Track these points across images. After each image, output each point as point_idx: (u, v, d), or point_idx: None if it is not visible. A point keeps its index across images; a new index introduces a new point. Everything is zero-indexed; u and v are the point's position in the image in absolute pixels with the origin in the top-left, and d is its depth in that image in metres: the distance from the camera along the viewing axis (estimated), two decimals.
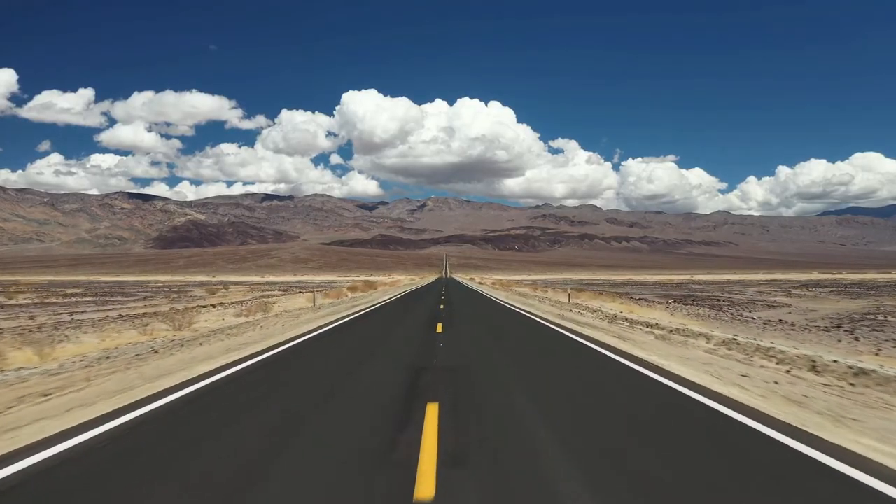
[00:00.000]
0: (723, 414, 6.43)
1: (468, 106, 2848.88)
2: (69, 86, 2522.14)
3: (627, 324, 18.12)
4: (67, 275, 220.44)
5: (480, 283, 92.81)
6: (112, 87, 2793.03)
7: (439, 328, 16.64)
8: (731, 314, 29.86)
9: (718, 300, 43.36)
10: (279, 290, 63.88)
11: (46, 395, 7.38)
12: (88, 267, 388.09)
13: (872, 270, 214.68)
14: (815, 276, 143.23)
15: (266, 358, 10.98)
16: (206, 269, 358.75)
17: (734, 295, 52.59)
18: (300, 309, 24.91)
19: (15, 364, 10.15)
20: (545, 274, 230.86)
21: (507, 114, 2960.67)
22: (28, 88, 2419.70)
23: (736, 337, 13.64)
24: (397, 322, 20.34)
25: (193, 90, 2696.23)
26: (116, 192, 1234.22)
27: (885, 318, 26.26)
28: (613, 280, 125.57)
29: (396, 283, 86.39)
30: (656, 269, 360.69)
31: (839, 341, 17.32)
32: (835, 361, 9.50)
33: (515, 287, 63.41)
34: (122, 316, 26.70)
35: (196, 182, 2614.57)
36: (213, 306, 30.91)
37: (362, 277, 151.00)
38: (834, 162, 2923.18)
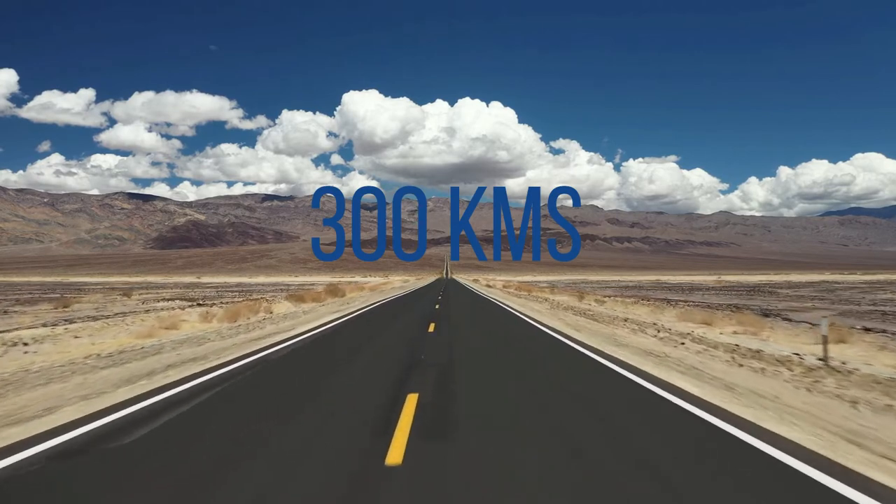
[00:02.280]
0: None
1: (469, 106, 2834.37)
2: (69, 86, 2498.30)
3: None
4: (54, 276, 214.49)
5: (488, 287, 77.29)
6: (112, 87, 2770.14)
7: None
8: None
9: None
10: (167, 298, 45.47)
11: None
12: (86, 267, 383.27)
13: (885, 271, 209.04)
14: (832, 276, 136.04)
15: None
16: (205, 270, 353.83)
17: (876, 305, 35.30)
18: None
19: None
20: (549, 275, 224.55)
21: (509, 114, 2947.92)
22: (28, 88, 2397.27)
23: None
24: None
25: (194, 90, 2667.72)
26: (117, 193, 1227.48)
27: None
28: (639, 281, 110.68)
29: (379, 288, 65.74)
30: (661, 269, 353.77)
31: None
32: None
33: (538, 293, 47.92)
34: None
35: (196, 182, 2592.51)
36: None
37: (357, 278, 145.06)
38: (835, 162, 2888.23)
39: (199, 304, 31.95)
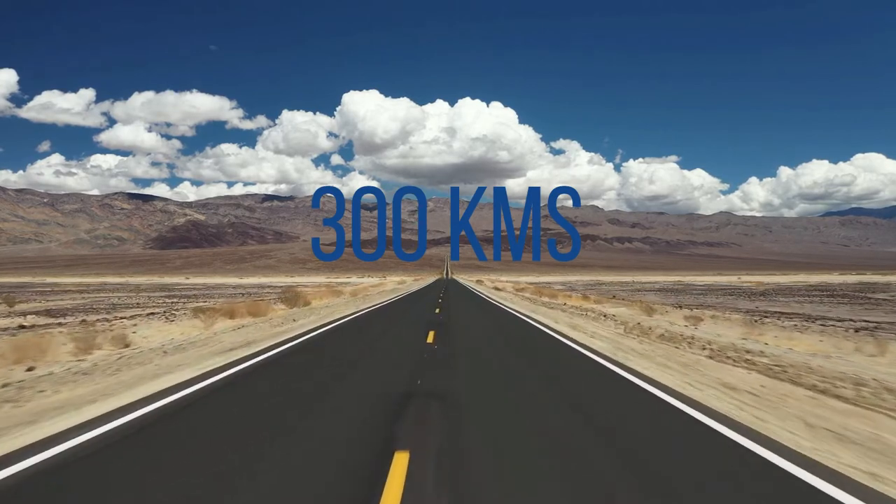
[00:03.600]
0: None
1: (469, 106, 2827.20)
2: (69, 86, 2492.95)
3: None
4: (42, 276, 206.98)
5: (497, 290, 67.85)
6: (112, 87, 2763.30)
7: None
8: None
9: None
10: (38, 312, 33.58)
11: None
12: (83, 268, 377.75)
13: (894, 272, 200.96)
14: (851, 277, 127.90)
15: None
16: (203, 270, 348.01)
17: None
18: None
19: None
20: (551, 275, 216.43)
21: (509, 114, 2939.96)
22: (28, 88, 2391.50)
23: None
24: None
25: (194, 90, 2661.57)
26: (117, 193, 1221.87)
27: None
28: (658, 282, 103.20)
29: (365, 292, 54.63)
30: (662, 270, 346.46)
31: None
32: None
33: (566, 299, 39.98)
34: None
35: (197, 182, 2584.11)
36: None
37: (353, 279, 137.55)
38: (836, 163, 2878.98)
39: (57, 324, 23.03)
